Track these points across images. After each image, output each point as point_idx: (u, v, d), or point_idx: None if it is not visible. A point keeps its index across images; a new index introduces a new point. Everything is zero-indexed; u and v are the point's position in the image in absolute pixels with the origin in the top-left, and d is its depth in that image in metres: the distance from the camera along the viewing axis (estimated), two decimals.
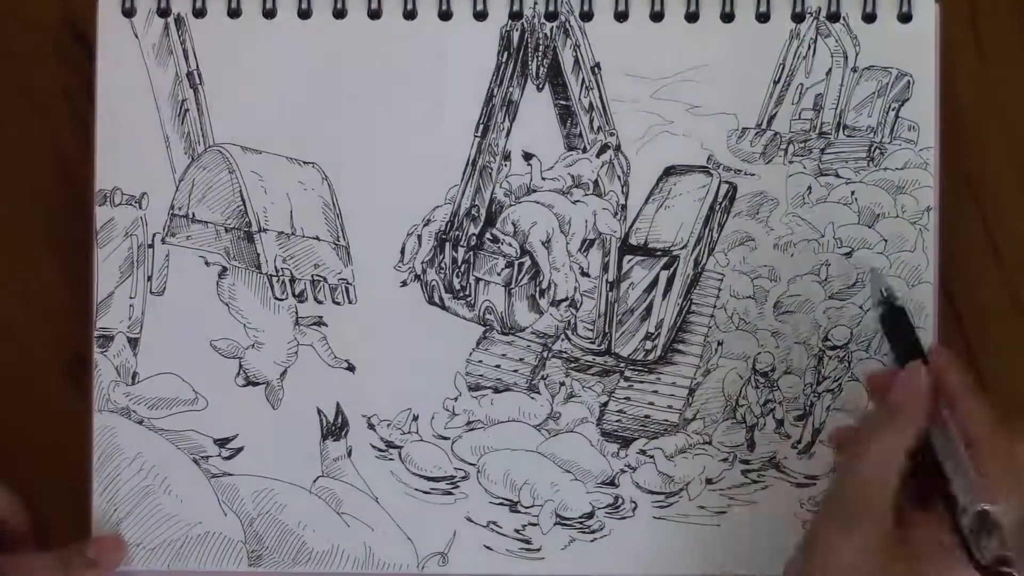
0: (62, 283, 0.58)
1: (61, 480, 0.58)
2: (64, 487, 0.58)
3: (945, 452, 0.47)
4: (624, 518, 0.57)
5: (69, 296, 0.58)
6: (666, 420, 0.57)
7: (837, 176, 0.57)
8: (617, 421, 0.57)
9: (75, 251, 0.58)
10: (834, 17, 0.57)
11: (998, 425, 0.47)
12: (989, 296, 0.58)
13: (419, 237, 0.57)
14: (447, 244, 0.57)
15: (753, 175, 0.57)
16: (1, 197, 0.59)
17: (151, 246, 0.57)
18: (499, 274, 0.57)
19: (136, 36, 0.58)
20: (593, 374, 0.57)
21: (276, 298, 0.57)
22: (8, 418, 0.58)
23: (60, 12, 0.59)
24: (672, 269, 0.57)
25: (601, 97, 0.57)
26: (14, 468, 0.58)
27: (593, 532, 0.57)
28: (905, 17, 0.57)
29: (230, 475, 0.57)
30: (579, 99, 0.57)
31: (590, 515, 0.57)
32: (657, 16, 0.57)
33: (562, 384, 0.57)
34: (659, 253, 0.57)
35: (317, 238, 0.57)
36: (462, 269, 0.57)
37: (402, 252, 0.57)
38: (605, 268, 0.57)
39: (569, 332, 0.57)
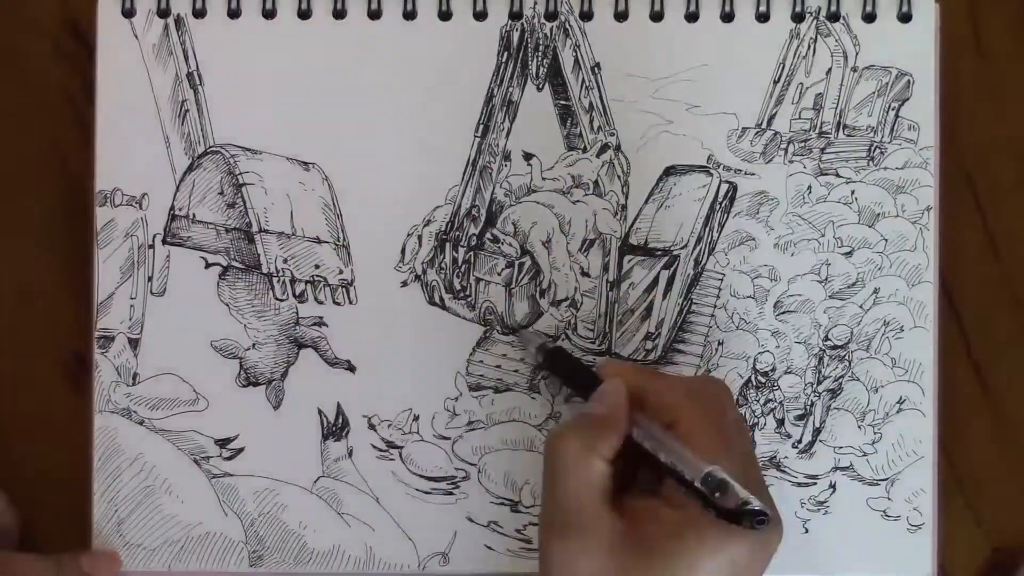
0: (62, 283, 0.58)
1: (61, 481, 0.58)
2: (64, 488, 0.58)
3: (653, 444, 0.48)
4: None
5: (69, 296, 0.58)
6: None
7: (837, 176, 0.57)
8: None
9: (75, 252, 0.58)
10: (834, 17, 0.57)
11: (688, 397, 0.50)
12: (989, 296, 0.58)
13: (419, 237, 0.57)
14: (447, 244, 0.57)
15: (753, 175, 0.57)
16: (1, 197, 0.59)
17: (151, 247, 0.57)
18: (499, 274, 0.57)
19: (136, 37, 0.57)
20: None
21: (277, 298, 0.57)
22: (8, 418, 0.58)
23: (60, 12, 0.59)
24: (672, 269, 0.57)
25: (601, 97, 0.57)
26: (14, 469, 0.58)
27: None
28: (905, 17, 0.57)
29: (231, 475, 0.57)
30: (579, 99, 0.57)
31: None
32: (657, 16, 0.57)
33: (563, 385, 0.57)
34: (659, 253, 0.57)
35: (318, 239, 0.57)
36: (462, 269, 0.57)
37: (402, 252, 0.57)
38: (605, 268, 0.57)
39: (569, 332, 0.57)
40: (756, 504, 0.44)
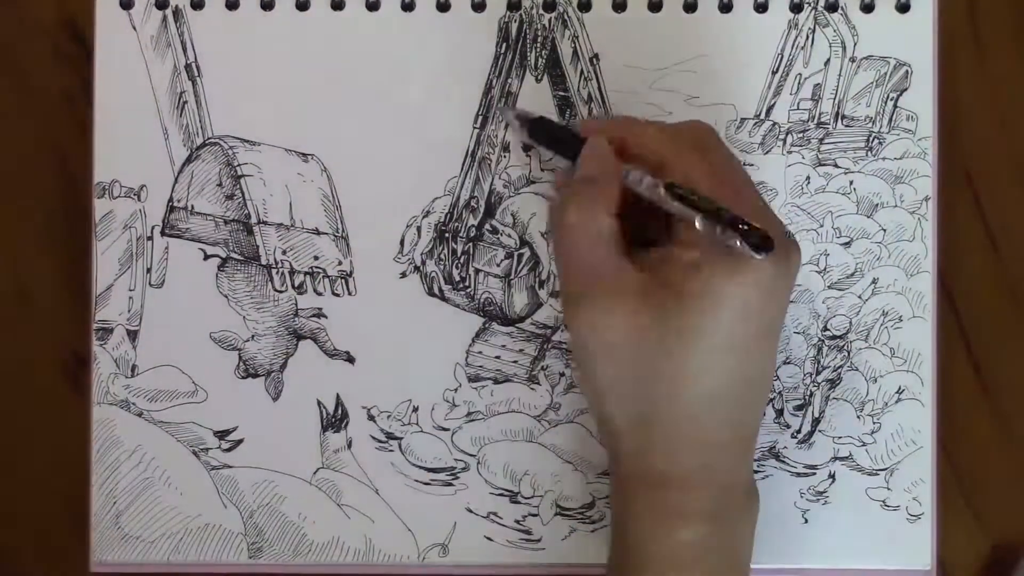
0: (61, 283, 0.58)
1: (60, 473, 0.58)
2: (63, 480, 0.58)
3: (650, 194, 0.47)
4: None
5: (68, 296, 0.58)
6: None
7: (836, 166, 0.57)
8: None
9: (73, 247, 0.58)
10: (832, 7, 0.57)
11: (672, 140, 0.49)
12: (987, 285, 0.58)
13: (418, 228, 0.57)
14: (446, 235, 0.57)
15: (752, 165, 0.57)
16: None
17: (150, 238, 0.57)
18: (499, 265, 0.57)
19: (134, 28, 0.57)
20: None
21: (276, 290, 0.57)
22: (6, 412, 0.58)
23: (58, 10, 0.59)
24: None
25: (600, 88, 0.57)
26: (12, 461, 0.58)
27: (594, 522, 0.57)
28: (903, 7, 0.57)
29: (230, 467, 0.57)
30: (578, 90, 0.57)
31: (590, 505, 0.57)
32: (655, 6, 0.57)
33: (562, 374, 0.57)
34: None
35: (316, 230, 0.57)
36: (462, 260, 0.57)
37: (401, 243, 0.57)
38: None
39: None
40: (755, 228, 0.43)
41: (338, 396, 0.57)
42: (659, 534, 0.47)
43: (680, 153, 0.48)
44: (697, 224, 0.45)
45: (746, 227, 0.43)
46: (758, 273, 0.45)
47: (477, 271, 0.57)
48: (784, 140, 0.57)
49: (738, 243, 0.43)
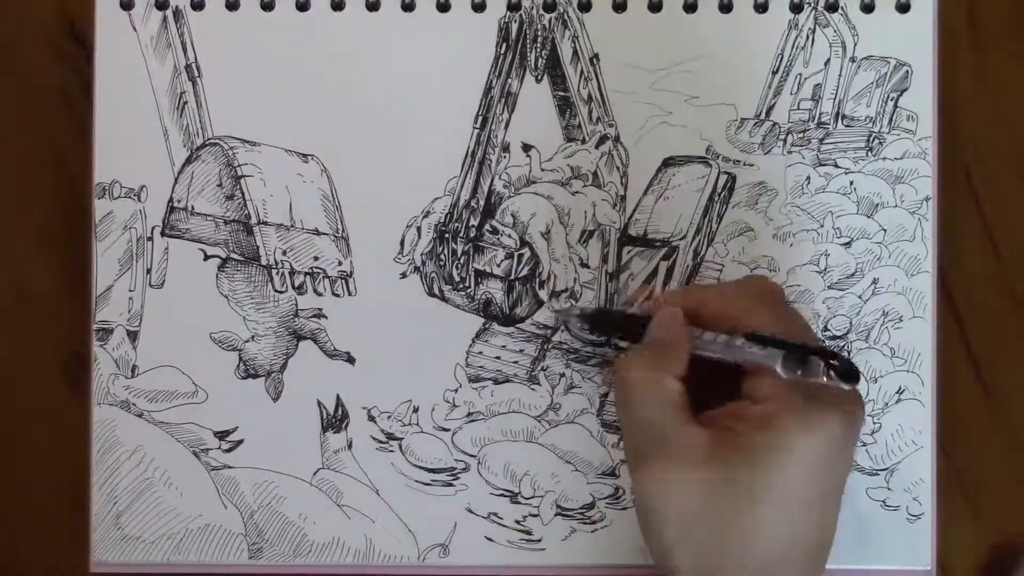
0: (61, 283, 0.58)
1: (60, 474, 0.58)
2: (63, 481, 0.58)
3: (722, 349, 0.48)
4: (625, 508, 0.57)
5: (67, 291, 0.58)
6: None
7: (836, 166, 0.57)
8: None
9: (73, 247, 0.58)
10: (832, 7, 0.57)
11: (741, 297, 0.50)
12: (987, 286, 0.58)
13: (419, 229, 0.57)
14: (447, 236, 0.57)
15: (752, 165, 0.57)
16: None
17: (150, 239, 0.57)
18: (499, 265, 0.57)
19: (134, 29, 0.57)
20: (593, 365, 0.57)
21: (276, 290, 0.57)
22: (6, 412, 0.58)
23: (58, 10, 0.59)
24: (671, 260, 0.57)
25: (600, 88, 0.57)
26: (13, 462, 0.58)
27: (594, 523, 0.57)
28: (903, 7, 0.57)
29: (230, 468, 0.57)
30: (578, 90, 0.57)
31: (591, 506, 0.57)
32: (655, 7, 0.57)
33: (562, 375, 0.57)
34: (658, 244, 0.57)
35: (316, 230, 0.57)
36: (461, 261, 0.57)
37: (402, 244, 0.57)
38: (604, 259, 0.57)
39: (569, 324, 0.57)
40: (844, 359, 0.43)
41: (338, 396, 0.57)
42: None
43: (750, 308, 0.49)
44: (778, 368, 0.45)
45: (834, 359, 0.44)
46: (830, 426, 0.45)
47: (477, 271, 0.57)
48: (784, 140, 0.57)
49: (824, 378, 0.44)
